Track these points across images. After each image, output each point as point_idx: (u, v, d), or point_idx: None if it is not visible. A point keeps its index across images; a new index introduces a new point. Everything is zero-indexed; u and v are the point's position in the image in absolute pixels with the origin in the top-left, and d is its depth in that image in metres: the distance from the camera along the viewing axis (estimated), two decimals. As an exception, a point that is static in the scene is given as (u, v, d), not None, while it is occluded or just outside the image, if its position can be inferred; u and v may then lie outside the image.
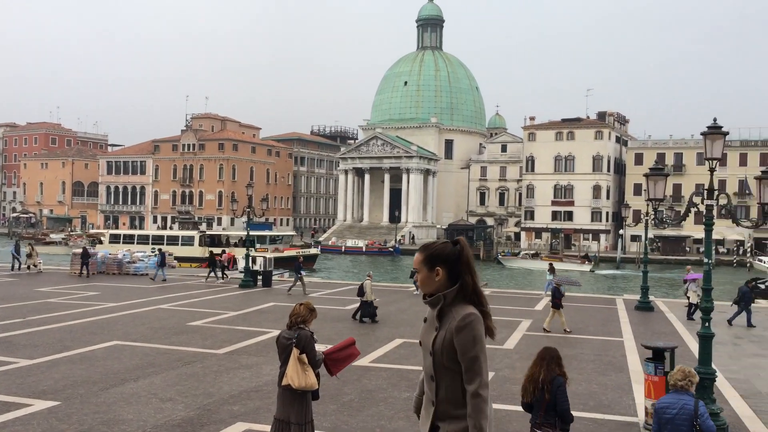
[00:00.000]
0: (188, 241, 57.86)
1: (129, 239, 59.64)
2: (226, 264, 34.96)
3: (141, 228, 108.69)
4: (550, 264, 32.30)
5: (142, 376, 12.73)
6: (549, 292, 29.25)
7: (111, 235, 62.47)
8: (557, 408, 6.53)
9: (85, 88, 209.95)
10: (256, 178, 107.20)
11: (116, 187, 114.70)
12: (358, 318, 20.81)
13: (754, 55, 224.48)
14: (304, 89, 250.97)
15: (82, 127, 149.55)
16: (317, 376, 6.80)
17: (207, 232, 63.56)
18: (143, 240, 58.46)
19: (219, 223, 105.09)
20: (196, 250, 56.22)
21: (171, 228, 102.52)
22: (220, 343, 16.29)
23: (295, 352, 6.64)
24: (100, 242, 61.27)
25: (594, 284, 51.87)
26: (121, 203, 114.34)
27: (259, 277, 31.70)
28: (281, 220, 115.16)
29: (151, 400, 11.05)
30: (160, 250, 35.45)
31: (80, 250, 35.26)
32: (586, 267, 64.22)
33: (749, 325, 21.90)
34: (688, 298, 23.59)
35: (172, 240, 57.71)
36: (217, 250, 41.32)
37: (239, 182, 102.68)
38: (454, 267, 3.89)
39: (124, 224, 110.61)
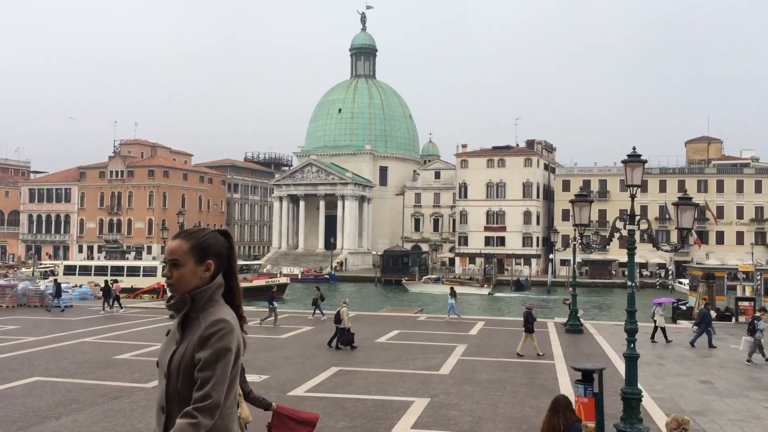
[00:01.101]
0: (150, 272, 54.51)
1: (85, 270, 56.38)
2: (117, 294, 33.79)
3: (66, 258, 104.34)
4: (452, 288, 33.11)
5: (64, 414, 12.14)
6: (453, 316, 29.94)
7: (65, 266, 58.93)
8: None
9: (5, 113, 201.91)
10: (188, 206, 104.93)
11: (39, 216, 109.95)
12: (335, 345, 20.74)
13: (671, 87, 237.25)
14: (238, 115, 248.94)
15: (3, 153, 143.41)
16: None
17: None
18: (101, 271, 55.26)
19: (149, 252, 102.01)
20: (161, 281, 53.95)
21: (99, 257, 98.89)
22: (149, 377, 15.73)
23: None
24: (53, 273, 58.24)
25: (491, 307, 53.04)
26: (44, 232, 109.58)
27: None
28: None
29: (74, 438, 10.54)
30: (55, 280, 34.18)
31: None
32: (485, 290, 66.61)
33: (710, 345, 22.51)
34: (655, 321, 24.39)
35: (133, 270, 54.56)
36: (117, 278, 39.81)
37: (170, 210, 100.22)
38: (226, 263, 3.10)
39: (47, 254, 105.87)
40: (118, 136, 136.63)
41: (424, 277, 75.61)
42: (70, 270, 57.30)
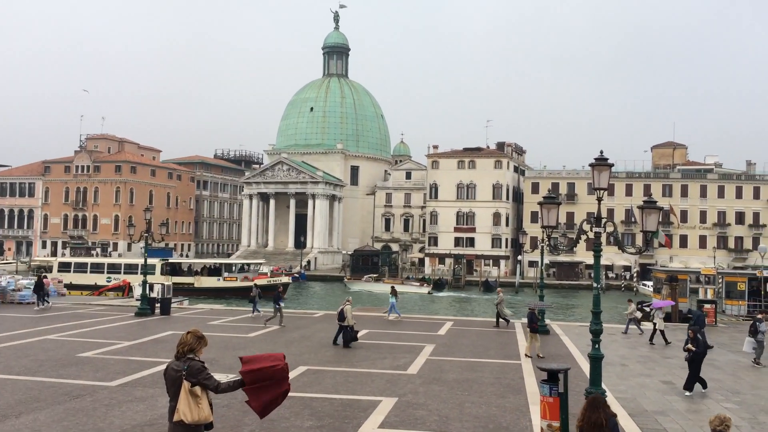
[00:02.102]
0: (149, 270, 54.36)
1: (81, 268, 55.20)
2: (47, 290, 33.20)
3: (28, 254, 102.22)
4: (392, 287, 33.72)
5: (24, 412, 11.89)
6: (394, 315, 30.32)
7: (60, 263, 57.63)
8: None
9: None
10: (156, 202, 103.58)
11: (1, 210, 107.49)
12: (341, 343, 20.97)
13: (639, 94, 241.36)
14: (208, 112, 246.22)
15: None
16: (210, 404, 6.48)
17: (169, 260, 59.19)
18: (97, 269, 53.93)
19: (115, 248, 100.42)
20: (158, 279, 52.86)
21: (63, 254, 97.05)
22: (113, 375, 15.50)
23: (186, 384, 6.21)
24: (48, 271, 56.76)
25: (431, 306, 53.61)
26: (6, 227, 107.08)
27: (157, 305, 30.49)
28: (182, 245, 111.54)
29: (34, 438, 10.33)
30: (39, 277, 33.49)
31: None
32: (424, 290, 67.44)
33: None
34: (654, 324, 24.84)
35: (131, 268, 53.31)
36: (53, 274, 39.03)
37: (137, 206, 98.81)
38: None
39: (9, 249, 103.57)
40: (85, 131, 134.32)
41: (365, 276, 76.43)
42: (65, 267, 56.04)
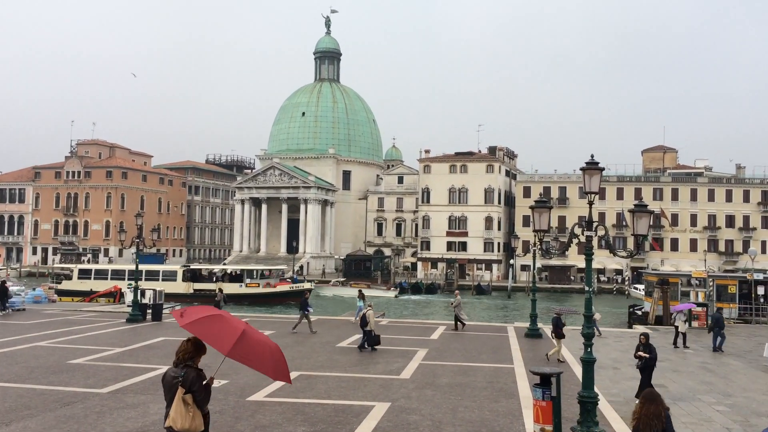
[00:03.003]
0: (170, 277, 53.54)
1: (101, 275, 54.71)
2: (11, 293, 32.96)
3: (19, 260, 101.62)
4: (360, 291, 33.95)
5: (15, 420, 11.80)
6: (359, 318, 30.38)
7: (80, 270, 57.22)
8: None
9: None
10: (147, 208, 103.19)
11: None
12: (368, 347, 21.44)
13: (630, 98, 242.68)
14: (200, 117, 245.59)
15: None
16: (206, 416, 6.47)
17: (190, 266, 58.78)
18: (118, 275, 53.42)
19: (106, 254, 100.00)
20: (180, 286, 52.44)
21: (53, 259, 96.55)
22: (104, 382, 15.40)
23: (180, 391, 6.26)
24: (68, 278, 56.19)
25: (402, 310, 53.73)
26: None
27: (149, 311, 30.34)
28: (174, 251, 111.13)
29: (24, 445, 10.25)
30: (2, 282, 33.18)
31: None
32: (391, 293, 68.19)
33: (719, 349, 23.40)
34: (676, 327, 24.99)
35: (152, 275, 52.98)
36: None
37: (128, 211, 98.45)
38: None
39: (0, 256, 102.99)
40: (75, 136, 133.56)
41: (332, 280, 76.87)
42: (84, 274, 55.63)
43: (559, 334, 20.60)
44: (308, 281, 67.51)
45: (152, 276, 52.97)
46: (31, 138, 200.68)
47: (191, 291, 53.34)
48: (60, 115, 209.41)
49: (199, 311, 6.40)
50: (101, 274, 54.99)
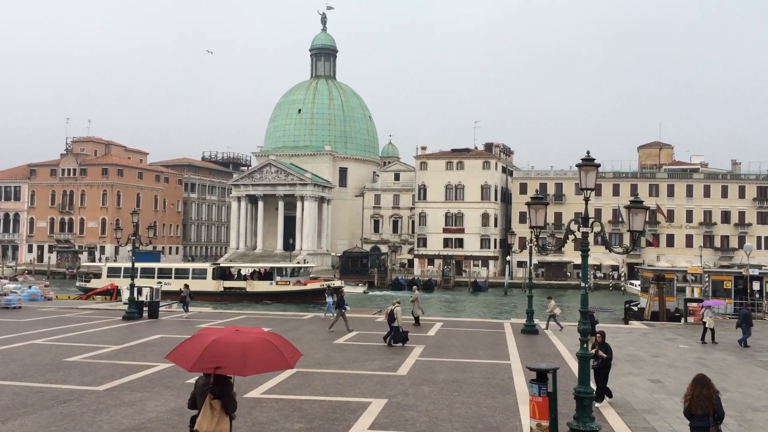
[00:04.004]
0: (200, 275, 53.73)
1: (131, 273, 54.93)
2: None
3: (14, 258, 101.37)
4: (328, 286, 34.41)
5: (11, 417, 11.79)
6: (329, 314, 30.81)
7: (109, 268, 57.08)
8: (717, 414, 9.12)
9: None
10: (143, 205, 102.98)
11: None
12: (390, 342, 21.93)
13: (626, 94, 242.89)
14: (196, 114, 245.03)
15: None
16: (231, 420, 6.69)
17: (220, 264, 58.66)
18: (148, 273, 53.35)
19: (102, 252, 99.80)
20: (210, 284, 52.62)
21: (49, 257, 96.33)
22: (101, 380, 15.39)
23: (209, 397, 6.43)
24: (97, 276, 56.05)
25: (367, 303, 53.86)
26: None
27: (145, 309, 30.31)
28: (170, 248, 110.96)
29: (21, 443, 10.25)
30: None
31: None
32: (360, 289, 69.51)
33: (745, 345, 23.66)
34: (704, 323, 25.19)
35: (182, 273, 53.14)
36: None
37: (124, 209, 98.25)
38: None
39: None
40: (71, 134, 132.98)
41: (321, 278, 77.42)
42: (114, 272, 55.48)
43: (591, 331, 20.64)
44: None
45: (182, 274, 53.21)
46: (27, 136, 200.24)
47: (221, 289, 53.57)
48: (55, 112, 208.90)
49: (186, 344, 6.66)
50: (130, 273, 54.93)
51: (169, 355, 6.40)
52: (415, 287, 32.01)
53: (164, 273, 54.28)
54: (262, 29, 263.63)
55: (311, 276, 63.49)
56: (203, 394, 6.51)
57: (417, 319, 28.60)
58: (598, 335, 14.22)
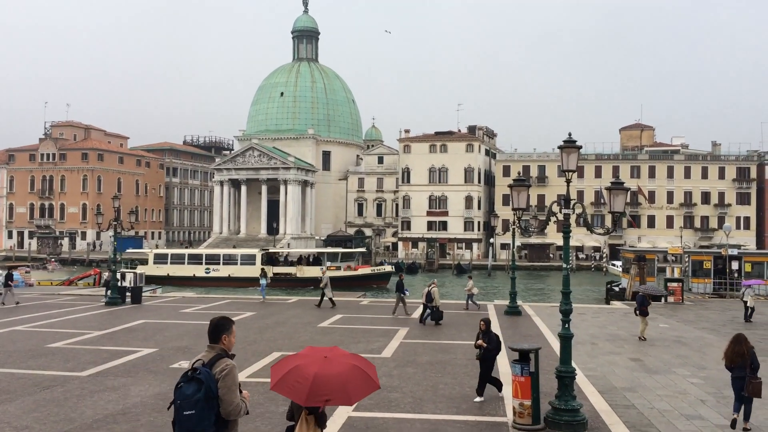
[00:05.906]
0: (249, 261, 52.86)
1: (178, 259, 53.94)
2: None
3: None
4: (262, 269, 35.03)
5: (-7, 405, 11.70)
6: (264, 298, 31.94)
7: (156, 255, 56.30)
8: (753, 365, 11.09)
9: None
10: (124, 190, 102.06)
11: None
12: (425, 321, 22.98)
13: (607, 76, 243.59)
14: (176, 98, 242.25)
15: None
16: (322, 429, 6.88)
17: (268, 250, 58.17)
18: (195, 259, 52.64)
19: (83, 237, 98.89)
20: (259, 270, 52.11)
21: (29, 242, 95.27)
22: (84, 365, 15.33)
23: (304, 413, 6.71)
24: (143, 263, 55.30)
25: (381, 290, 54.03)
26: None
27: (128, 294, 30.14)
28: (152, 233, 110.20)
29: (4, 429, 10.21)
30: (9, 268, 32.95)
31: None
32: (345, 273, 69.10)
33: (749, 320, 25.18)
34: (745, 302, 25.71)
35: (229, 259, 52.51)
36: None
37: (105, 194, 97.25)
38: None
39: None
40: (49, 118, 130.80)
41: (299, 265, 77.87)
42: (161, 258, 54.77)
43: (643, 312, 20.91)
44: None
45: (230, 260, 52.63)
46: (4, 120, 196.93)
47: (271, 275, 53.28)
48: (33, 96, 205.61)
49: (286, 364, 6.64)
50: (178, 259, 54.27)
51: (275, 387, 6.47)
52: (323, 269, 32.86)
53: (212, 259, 53.80)
54: (244, 11, 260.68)
55: (361, 262, 62.68)
56: (299, 409, 6.90)
57: (330, 299, 28.64)
58: (482, 322, 12.98)
